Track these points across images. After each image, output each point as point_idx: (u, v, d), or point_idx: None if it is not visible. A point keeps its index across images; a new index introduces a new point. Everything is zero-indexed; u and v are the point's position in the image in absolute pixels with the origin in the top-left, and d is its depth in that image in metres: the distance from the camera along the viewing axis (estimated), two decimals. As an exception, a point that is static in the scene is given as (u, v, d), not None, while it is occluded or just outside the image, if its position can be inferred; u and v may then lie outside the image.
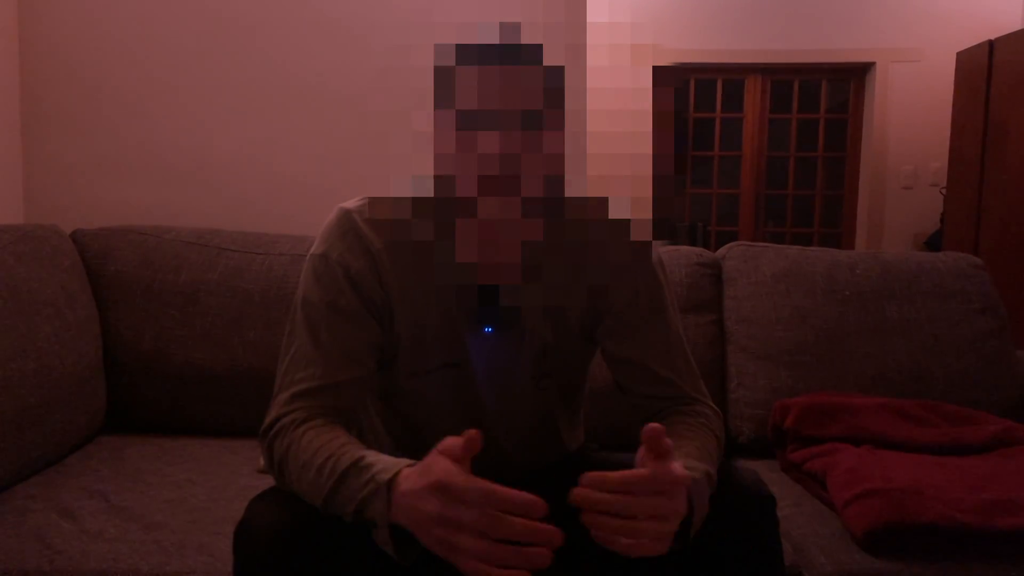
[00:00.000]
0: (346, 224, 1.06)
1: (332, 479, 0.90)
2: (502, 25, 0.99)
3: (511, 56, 0.96)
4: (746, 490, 1.02)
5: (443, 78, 0.98)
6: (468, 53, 0.97)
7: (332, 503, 0.90)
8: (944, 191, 4.49)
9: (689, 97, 5.21)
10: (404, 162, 1.03)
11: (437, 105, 0.98)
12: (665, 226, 1.09)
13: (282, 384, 1.03)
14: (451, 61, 0.97)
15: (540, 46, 0.98)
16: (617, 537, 0.83)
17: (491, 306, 1.07)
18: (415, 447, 1.16)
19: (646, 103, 1.05)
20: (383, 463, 0.88)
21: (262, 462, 1.53)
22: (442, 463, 0.81)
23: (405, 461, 0.88)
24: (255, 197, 2.05)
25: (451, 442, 0.83)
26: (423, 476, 0.82)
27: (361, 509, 0.87)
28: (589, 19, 1.96)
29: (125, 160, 2.03)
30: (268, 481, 1.05)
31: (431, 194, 1.01)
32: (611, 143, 1.04)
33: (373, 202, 1.07)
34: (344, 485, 0.89)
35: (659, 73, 1.06)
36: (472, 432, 0.82)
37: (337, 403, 1.03)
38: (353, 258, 1.05)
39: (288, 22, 2.03)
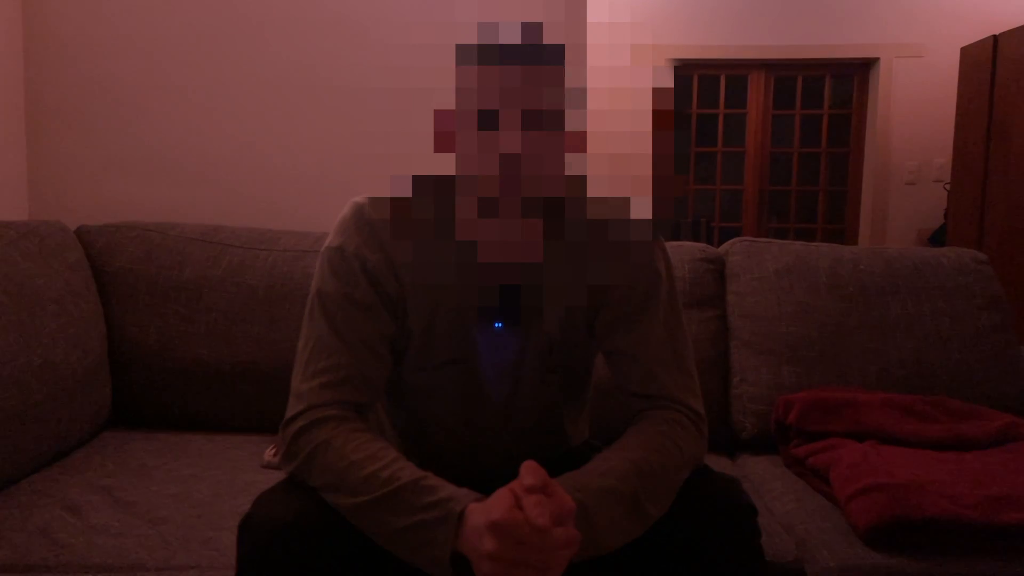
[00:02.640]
0: (361, 217, 1.06)
1: (386, 488, 0.92)
2: (502, 25, 0.99)
3: (535, 56, 0.97)
4: (723, 499, 1.01)
5: (465, 78, 0.98)
6: (491, 52, 0.97)
7: (375, 508, 0.92)
8: (948, 187, 4.48)
9: (692, 93, 5.20)
10: (406, 161, 1.03)
11: (457, 104, 0.98)
12: (665, 226, 1.09)
13: (304, 373, 1.04)
14: (474, 61, 0.97)
15: (562, 46, 0.98)
16: None
17: (504, 303, 1.07)
18: (419, 439, 1.18)
19: (646, 103, 1.05)
20: (449, 490, 0.91)
21: (267, 456, 1.54)
22: (504, 502, 0.86)
23: (467, 492, 0.92)
24: (259, 194, 2.06)
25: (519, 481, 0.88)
26: (483, 514, 0.86)
27: (418, 528, 0.90)
28: (589, 19, 1.96)
29: (129, 157, 2.04)
30: (272, 476, 1.05)
31: (430, 193, 1.02)
32: (611, 143, 1.04)
33: (374, 201, 1.07)
34: (399, 499, 0.91)
35: (659, 73, 1.06)
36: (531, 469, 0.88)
37: (363, 397, 1.04)
38: (370, 252, 1.05)
39: (292, 19, 2.03)
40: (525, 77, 0.95)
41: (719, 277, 1.87)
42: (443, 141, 1.00)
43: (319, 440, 0.98)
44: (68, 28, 2.01)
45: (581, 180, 1.06)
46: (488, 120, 0.95)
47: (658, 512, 0.98)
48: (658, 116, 1.03)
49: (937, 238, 4.76)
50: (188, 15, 2.02)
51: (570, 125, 0.99)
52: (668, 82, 1.04)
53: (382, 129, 1.98)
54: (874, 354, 1.74)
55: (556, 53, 0.97)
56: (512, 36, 0.97)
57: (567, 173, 1.00)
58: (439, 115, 1.00)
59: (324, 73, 2.04)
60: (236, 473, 1.49)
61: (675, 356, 1.11)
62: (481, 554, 0.84)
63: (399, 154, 1.05)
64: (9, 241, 1.54)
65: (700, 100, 5.23)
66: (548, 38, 0.99)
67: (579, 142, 1.00)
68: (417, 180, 1.05)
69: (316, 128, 2.05)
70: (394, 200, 1.07)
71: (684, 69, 5.11)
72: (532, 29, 0.98)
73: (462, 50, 0.97)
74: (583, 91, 1.00)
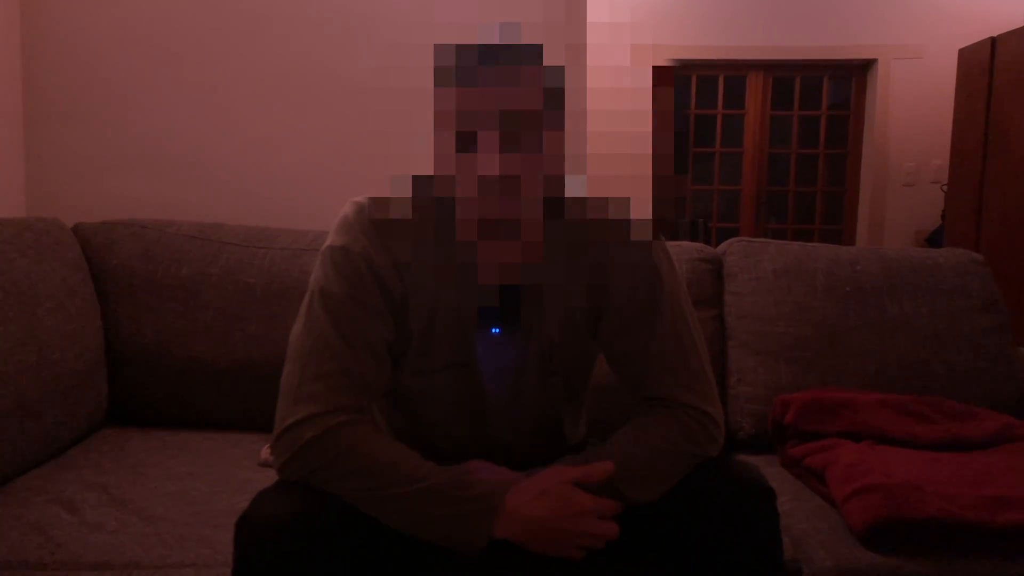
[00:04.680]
0: (366, 218, 1.06)
1: (424, 482, 0.97)
2: (502, 25, 0.99)
3: (511, 56, 0.96)
4: (745, 483, 1.02)
5: (443, 79, 0.98)
6: (468, 54, 0.96)
7: (412, 500, 0.96)
8: (945, 188, 4.49)
9: (691, 93, 5.20)
10: (406, 159, 1.03)
11: (437, 106, 0.99)
12: (665, 226, 1.09)
13: (304, 374, 1.01)
14: (451, 61, 0.97)
15: (540, 46, 0.98)
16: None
17: (499, 307, 1.07)
18: (419, 443, 1.17)
19: (646, 103, 1.05)
20: (489, 484, 0.99)
21: (263, 455, 1.53)
22: (554, 474, 1.00)
23: (503, 483, 1.00)
24: (257, 191, 2.05)
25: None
26: (533, 486, 0.99)
27: (456, 517, 0.97)
28: (589, 19, 1.96)
29: (127, 154, 2.03)
30: (269, 474, 1.05)
31: (430, 194, 1.02)
32: (611, 143, 1.04)
33: (375, 202, 1.07)
34: (439, 492, 0.97)
35: (659, 73, 1.06)
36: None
37: (364, 401, 1.04)
38: (376, 253, 1.04)
39: (291, 16, 2.03)
40: (503, 97, 0.95)
41: (717, 277, 1.87)
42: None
43: (342, 448, 0.98)
44: (66, 24, 2.01)
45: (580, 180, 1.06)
46: (472, 122, 0.95)
47: (641, 497, 1.03)
48: (658, 116, 1.03)
49: (934, 239, 4.77)
50: (186, 12, 2.02)
51: (570, 125, 0.99)
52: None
53: (382, 127, 1.98)
54: (871, 354, 1.74)
55: (533, 53, 0.97)
56: (496, 36, 0.98)
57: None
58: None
59: (323, 70, 2.03)
60: (233, 471, 1.49)
61: (682, 357, 1.10)
62: (531, 519, 0.96)
63: (399, 152, 1.05)
64: (6, 238, 1.54)
65: (698, 100, 5.23)
66: (547, 38, 0.99)
67: (558, 163, 1.00)
68: (416, 180, 1.05)
69: (314, 126, 2.05)
70: (395, 200, 1.06)
71: (682, 69, 5.11)
72: (511, 30, 0.99)
73: (439, 72, 0.98)
74: (583, 91, 1.00)
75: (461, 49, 0.97)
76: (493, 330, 1.09)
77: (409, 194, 1.05)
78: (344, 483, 0.98)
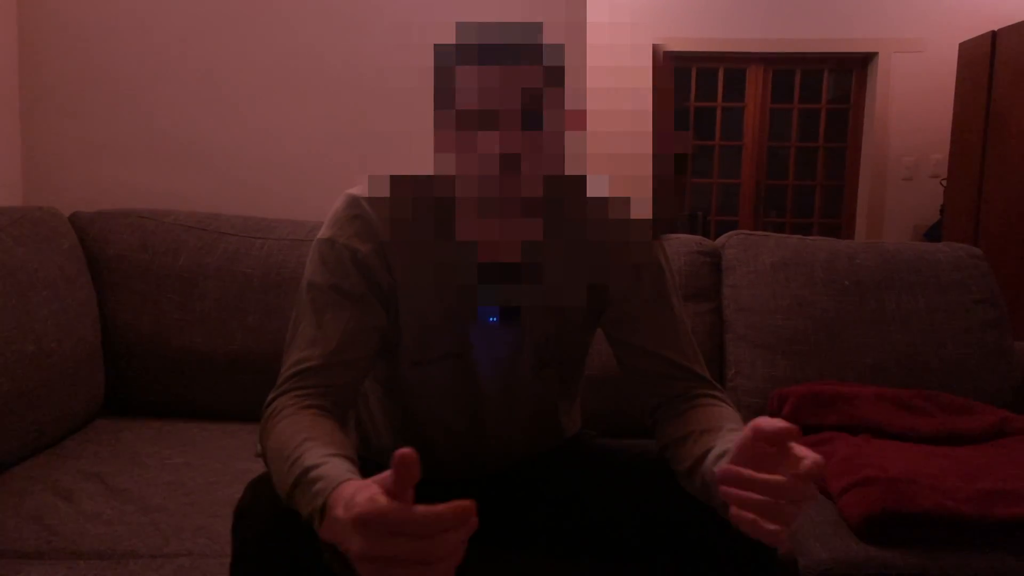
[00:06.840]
0: (354, 209, 1.06)
1: (291, 478, 0.86)
2: (503, 24, 0.99)
3: (510, 56, 0.96)
4: None
5: (443, 78, 0.98)
6: (467, 53, 0.96)
7: (291, 501, 0.86)
8: (944, 182, 4.49)
9: (690, 86, 5.19)
10: (403, 151, 1.03)
11: (437, 105, 0.98)
12: (665, 226, 1.09)
13: (285, 364, 1.03)
14: (451, 61, 0.97)
15: (540, 46, 0.98)
16: (763, 525, 0.80)
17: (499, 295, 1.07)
18: (415, 437, 1.17)
19: (646, 103, 1.05)
20: (325, 480, 0.81)
21: (259, 446, 1.54)
22: (365, 493, 0.71)
23: (342, 478, 0.80)
24: (255, 181, 2.05)
25: (390, 472, 0.69)
26: (347, 509, 0.72)
27: (310, 520, 0.81)
28: (589, 19, 1.96)
29: (124, 143, 2.03)
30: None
31: (429, 188, 1.01)
32: (611, 143, 1.04)
33: (373, 201, 1.07)
34: (298, 489, 0.84)
35: (659, 72, 1.06)
36: (406, 453, 0.68)
37: (333, 383, 1.02)
38: (360, 243, 1.04)
39: (290, 7, 2.02)
40: (520, 76, 0.95)
41: (715, 270, 1.87)
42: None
43: (267, 434, 0.96)
44: (63, 12, 2.00)
45: (581, 180, 1.06)
46: (480, 120, 0.95)
47: None
48: (658, 114, 1.02)
49: (933, 233, 4.77)
50: (184, 2, 2.01)
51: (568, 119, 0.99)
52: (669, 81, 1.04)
53: (380, 120, 1.98)
54: (869, 348, 1.74)
55: (534, 53, 0.97)
56: (508, 37, 0.97)
57: (567, 170, 1.00)
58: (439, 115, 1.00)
59: (323, 61, 2.03)
60: (229, 462, 1.49)
61: (690, 342, 1.12)
62: (352, 555, 0.71)
63: (397, 144, 1.05)
64: (2, 227, 1.53)
65: (698, 93, 5.22)
66: (548, 38, 0.99)
67: (579, 121, 0.99)
68: (395, 180, 1.05)
69: (313, 116, 2.04)
70: (393, 197, 1.06)
71: (682, 62, 5.10)
72: (531, 29, 0.98)
73: (457, 50, 0.97)
74: (583, 90, 1.00)
75: (462, 27, 0.97)
76: (490, 319, 1.09)
77: (388, 193, 1.05)
78: (269, 469, 0.94)
